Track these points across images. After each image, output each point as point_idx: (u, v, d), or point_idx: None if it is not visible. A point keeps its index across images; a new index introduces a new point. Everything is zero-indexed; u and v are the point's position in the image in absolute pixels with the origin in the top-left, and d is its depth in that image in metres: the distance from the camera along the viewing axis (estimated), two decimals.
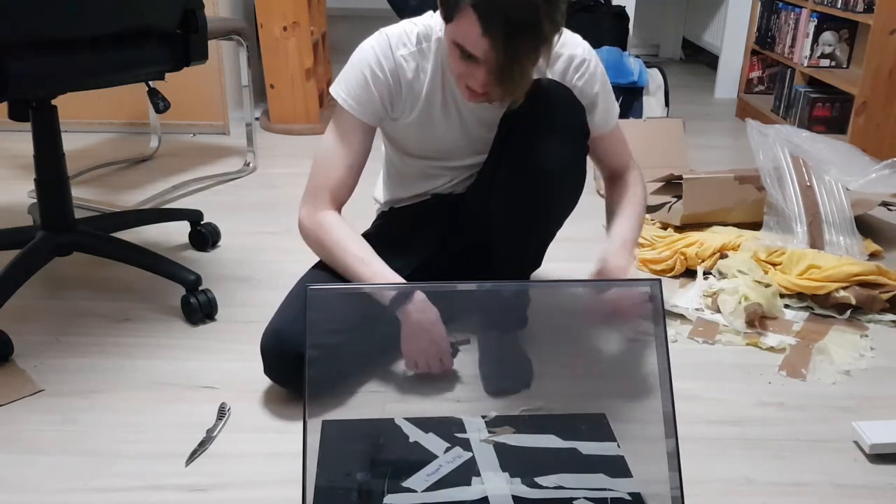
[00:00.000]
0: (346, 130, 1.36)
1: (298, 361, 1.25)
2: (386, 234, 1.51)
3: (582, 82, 1.36)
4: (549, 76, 1.32)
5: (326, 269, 1.40)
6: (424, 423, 1.24)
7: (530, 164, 1.30)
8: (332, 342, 1.29)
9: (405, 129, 1.39)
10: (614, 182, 1.51)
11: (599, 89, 1.39)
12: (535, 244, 1.44)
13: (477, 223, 1.40)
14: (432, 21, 1.33)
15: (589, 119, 1.36)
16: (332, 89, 1.36)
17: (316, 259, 1.46)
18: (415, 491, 1.10)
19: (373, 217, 1.64)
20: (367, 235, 1.52)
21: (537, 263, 1.48)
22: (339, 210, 1.39)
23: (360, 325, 1.33)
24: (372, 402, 1.38)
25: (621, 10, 3.57)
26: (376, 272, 1.31)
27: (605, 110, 1.42)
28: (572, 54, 1.35)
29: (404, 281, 1.33)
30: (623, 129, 1.47)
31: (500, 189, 1.35)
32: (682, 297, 1.79)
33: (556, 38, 1.16)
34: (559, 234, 1.43)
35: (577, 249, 1.44)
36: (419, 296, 1.28)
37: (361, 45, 1.34)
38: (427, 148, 1.41)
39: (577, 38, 1.38)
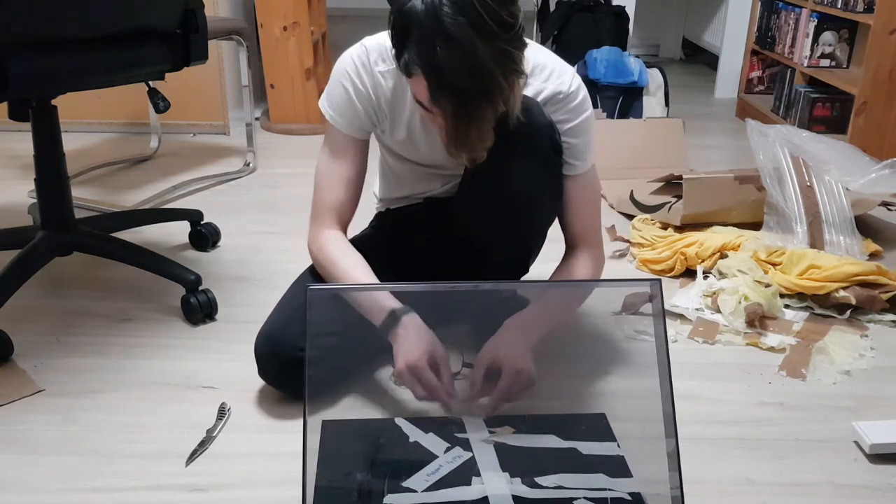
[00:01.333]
0: (338, 146, 1.34)
1: (292, 365, 1.26)
2: (380, 238, 1.51)
3: (559, 115, 1.29)
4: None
5: (314, 274, 1.40)
6: (424, 423, 1.24)
7: (500, 185, 1.27)
8: (332, 342, 1.29)
9: (392, 142, 1.39)
10: (565, 257, 1.42)
11: (577, 126, 1.30)
12: (516, 256, 1.43)
13: (463, 230, 1.40)
14: None
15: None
16: (319, 103, 1.35)
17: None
18: (415, 491, 1.10)
19: (372, 214, 1.63)
20: (363, 238, 1.52)
21: (525, 270, 1.48)
22: (345, 225, 1.37)
23: (359, 324, 1.32)
24: (372, 402, 1.38)
25: (621, 10, 3.57)
26: (370, 296, 1.27)
27: (576, 147, 1.32)
28: (557, 90, 1.28)
29: (399, 304, 1.26)
30: (623, 129, 1.41)
31: (476, 207, 1.34)
32: (682, 297, 1.79)
33: (521, 82, 1.11)
34: (556, 234, 1.43)
35: (563, 249, 1.44)
36: (414, 320, 1.21)
37: (342, 57, 1.31)
38: (416, 158, 1.41)
39: (568, 71, 1.30)
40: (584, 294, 1.48)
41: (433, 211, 1.48)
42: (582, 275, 1.38)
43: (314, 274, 1.41)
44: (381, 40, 1.28)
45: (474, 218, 1.35)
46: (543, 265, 1.48)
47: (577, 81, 1.31)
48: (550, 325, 1.32)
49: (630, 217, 2.24)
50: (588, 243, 1.41)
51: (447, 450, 1.18)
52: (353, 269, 1.30)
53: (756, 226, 2.03)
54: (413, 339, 1.19)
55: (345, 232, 1.37)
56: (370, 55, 1.28)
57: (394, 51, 1.09)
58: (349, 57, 1.30)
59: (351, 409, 1.36)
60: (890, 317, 1.73)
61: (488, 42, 1.01)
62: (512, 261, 1.43)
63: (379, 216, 1.60)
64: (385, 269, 1.34)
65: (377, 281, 1.29)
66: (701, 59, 4.76)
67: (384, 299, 1.24)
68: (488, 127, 1.08)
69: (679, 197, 2.12)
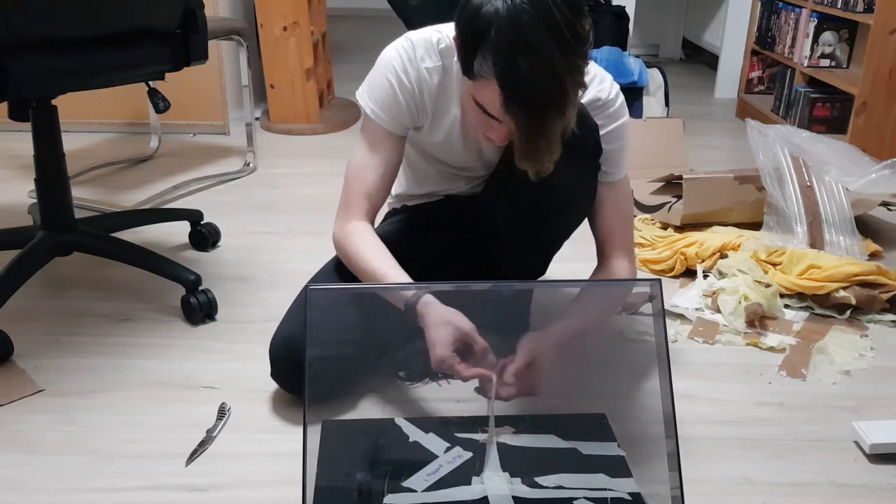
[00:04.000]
0: (376, 140, 1.31)
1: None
2: (398, 236, 1.50)
3: (597, 120, 1.29)
4: None
5: (338, 270, 1.38)
6: (424, 423, 1.24)
7: (540, 181, 1.23)
8: (334, 341, 1.29)
9: (427, 142, 1.37)
10: (600, 266, 1.39)
11: (613, 131, 1.31)
12: (541, 255, 1.42)
13: (487, 228, 1.39)
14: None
15: None
16: (358, 95, 1.32)
17: (327, 259, 1.45)
18: (415, 491, 1.10)
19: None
20: (379, 235, 1.51)
21: (542, 271, 1.48)
22: (374, 212, 1.35)
23: (362, 324, 1.32)
24: (372, 402, 1.38)
25: (621, 10, 3.57)
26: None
27: (611, 154, 1.32)
28: (597, 96, 1.29)
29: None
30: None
31: (509, 202, 1.33)
32: (682, 297, 1.78)
33: (581, 94, 1.09)
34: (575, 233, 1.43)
35: (578, 249, 1.44)
36: (431, 304, 1.18)
37: (386, 51, 1.29)
38: (448, 160, 1.40)
39: (608, 77, 1.31)
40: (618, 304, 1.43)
41: (454, 209, 1.47)
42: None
43: (329, 272, 1.40)
44: (427, 35, 1.27)
45: (505, 211, 1.34)
46: (559, 264, 1.48)
47: (616, 88, 1.31)
48: (578, 336, 1.30)
49: None
50: (621, 252, 1.38)
51: (447, 450, 1.18)
52: (381, 262, 1.27)
53: (756, 226, 2.03)
54: (436, 330, 1.16)
55: (373, 221, 1.35)
56: (416, 50, 1.26)
57: (461, 51, 1.08)
58: (394, 50, 1.27)
59: (351, 409, 1.36)
60: (890, 317, 1.73)
61: (565, 55, 1.01)
62: (533, 259, 1.42)
63: (395, 212, 1.58)
64: (404, 266, 1.33)
65: (404, 273, 1.25)
66: (701, 59, 4.76)
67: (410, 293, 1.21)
68: (557, 139, 1.07)
69: (679, 197, 2.12)
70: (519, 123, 1.06)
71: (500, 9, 1.01)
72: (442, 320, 1.16)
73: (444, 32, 1.27)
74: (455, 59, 1.17)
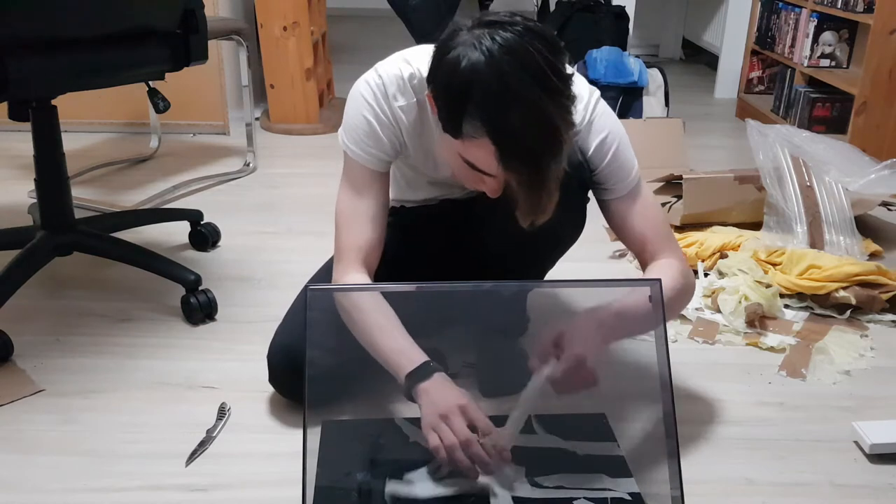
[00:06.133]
0: (361, 182, 1.25)
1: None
2: (395, 236, 1.49)
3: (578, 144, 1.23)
4: None
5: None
6: None
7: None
8: (333, 342, 1.28)
9: (411, 163, 1.35)
10: (645, 271, 1.29)
11: (596, 152, 1.24)
12: (534, 276, 1.42)
13: (483, 231, 1.38)
14: (426, 62, 1.12)
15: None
16: (339, 138, 1.27)
17: (323, 261, 1.45)
18: (415, 483, 1.10)
19: None
20: None
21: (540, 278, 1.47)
22: (371, 268, 1.26)
23: None
24: (372, 402, 1.38)
25: (621, 10, 3.57)
26: (397, 346, 1.16)
27: (606, 171, 1.25)
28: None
29: (425, 357, 1.14)
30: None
31: (497, 230, 1.28)
32: None
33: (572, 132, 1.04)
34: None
35: (578, 249, 1.44)
36: (439, 377, 1.11)
37: (358, 87, 1.23)
38: (434, 176, 1.38)
39: (582, 98, 1.20)
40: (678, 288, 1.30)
41: (451, 212, 1.46)
42: (666, 270, 1.23)
43: (328, 272, 1.40)
44: (397, 71, 1.21)
45: (493, 237, 1.31)
46: (559, 264, 1.48)
47: (590, 111, 1.23)
48: (629, 331, 1.24)
49: None
50: (660, 255, 1.27)
51: None
52: (384, 320, 1.19)
53: (756, 226, 2.03)
54: (443, 392, 1.10)
55: (373, 266, 1.27)
56: (388, 88, 1.21)
57: (444, 112, 1.04)
58: (367, 86, 1.22)
59: (351, 409, 1.36)
60: (890, 317, 1.73)
61: (554, 99, 0.98)
62: (528, 273, 1.41)
63: (393, 212, 1.57)
64: (399, 267, 1.32)
65: (408, 337, 1.17)
66: (701, 59, 4.76)
67: (411, 351, 1.15)
68: (556, 185, 1.03)
69: (679, 197, 2.12)
70: (520, 180, 1.02)
71: (478, 62, 0.97)
72: (438, 412, 1.08)
73: (416, 65, 1.20)
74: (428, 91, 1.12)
